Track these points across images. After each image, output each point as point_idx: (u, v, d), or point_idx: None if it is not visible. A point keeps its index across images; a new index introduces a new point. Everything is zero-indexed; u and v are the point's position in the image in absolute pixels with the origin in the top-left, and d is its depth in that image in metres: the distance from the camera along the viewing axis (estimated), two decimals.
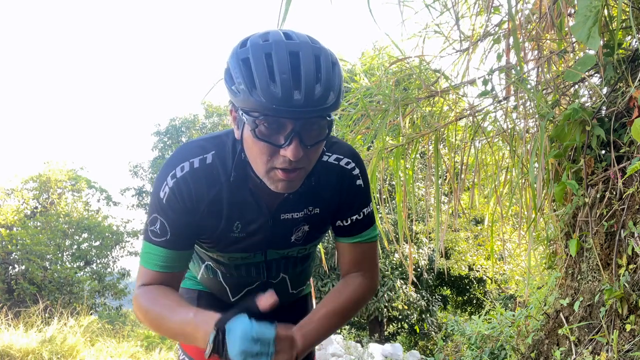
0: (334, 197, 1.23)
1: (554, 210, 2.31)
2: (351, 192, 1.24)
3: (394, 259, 10.89)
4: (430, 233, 8.85)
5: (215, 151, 1.15)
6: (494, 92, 2.51)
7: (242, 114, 0.99)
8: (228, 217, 1.17)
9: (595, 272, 2.04)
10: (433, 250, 11.26)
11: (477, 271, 11.05)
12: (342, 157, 1.22)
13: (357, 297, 1.27)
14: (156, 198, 1.13)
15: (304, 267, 1.43)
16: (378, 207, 2.99)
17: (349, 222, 1.26)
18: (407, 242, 3.81)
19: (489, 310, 5.20)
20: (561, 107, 2.30)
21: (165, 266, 1.16)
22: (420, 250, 11.08)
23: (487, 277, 11.45)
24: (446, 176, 3.20)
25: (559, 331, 2.23)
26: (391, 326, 13.22)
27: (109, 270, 14.28)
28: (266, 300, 1.00)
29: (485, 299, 10.73)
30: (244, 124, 1.00)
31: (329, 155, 1.20)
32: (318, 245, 1.43)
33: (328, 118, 1.01)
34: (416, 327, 12.56)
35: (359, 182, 1.24)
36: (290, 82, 0.93)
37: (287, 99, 0.92)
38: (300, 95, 0.93)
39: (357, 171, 1.24)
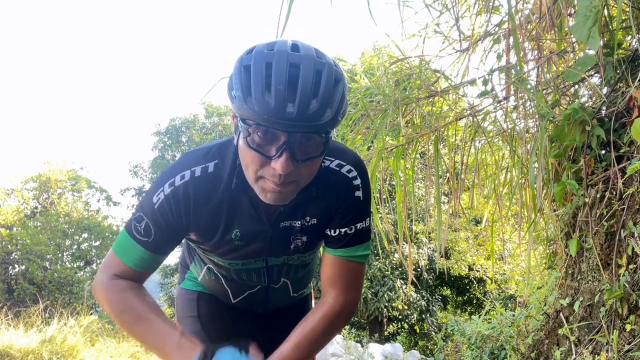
0: (331, 206, 1.18)
1: (554, 210, 2.31)
2: (348, 203, 1.18)
3: (394, 259, 10.89)
4: (430, 233, 8.85)
5: (219, 160, 1.14)
6: (494, 92, 2.51)
7: (239, 120, 0.98)
8: (227, 224, 1.16)
9: (595, 272, 2.04)
10: (433, 250, 11.26)
11: (477, 271, 11.04)
12: (344, 164, 1.18)
13: (323, 328, 1.21)
14: (149, 200, 1.13)
15: (305, 271, 1.41)
16: (378, 207, 2.99)
17: (337, 233, 1.21)
18: (407, 242, 3.80)
19: (489, 310, 5.19)
20: (561, 107, 2.30)
21: (141, 265, 1.18)
22: (420, 250, 11.07)
23: (487, 277, 11.43)
24: (446, 176, 3.20)
25: (559, 331, 2.22)
26: (391, 326, 13.22)
27: None
28: (257, 354, 1.07)
29: (485, 299, 10.72)
30: (240, 131, 1.00)
31: (330, 161, 1.17)
32: (319, 251, 1.41)
33: (324, 135, 0.98)
34: (416, 327, 12.55)
35: (358, 193, 1.19)
36: (285, 94, 0.90)
37: (280, 110, 0.90)
38: (294, 108, 0.91)
39: (358, 182, 1.18)
